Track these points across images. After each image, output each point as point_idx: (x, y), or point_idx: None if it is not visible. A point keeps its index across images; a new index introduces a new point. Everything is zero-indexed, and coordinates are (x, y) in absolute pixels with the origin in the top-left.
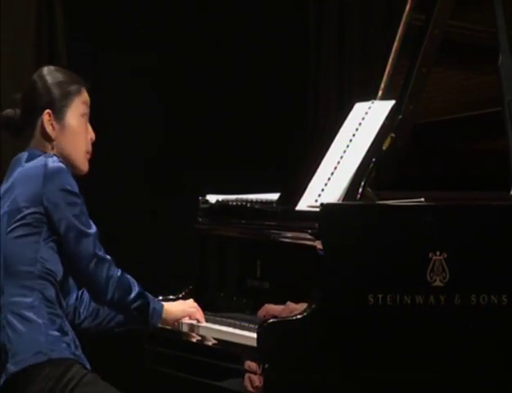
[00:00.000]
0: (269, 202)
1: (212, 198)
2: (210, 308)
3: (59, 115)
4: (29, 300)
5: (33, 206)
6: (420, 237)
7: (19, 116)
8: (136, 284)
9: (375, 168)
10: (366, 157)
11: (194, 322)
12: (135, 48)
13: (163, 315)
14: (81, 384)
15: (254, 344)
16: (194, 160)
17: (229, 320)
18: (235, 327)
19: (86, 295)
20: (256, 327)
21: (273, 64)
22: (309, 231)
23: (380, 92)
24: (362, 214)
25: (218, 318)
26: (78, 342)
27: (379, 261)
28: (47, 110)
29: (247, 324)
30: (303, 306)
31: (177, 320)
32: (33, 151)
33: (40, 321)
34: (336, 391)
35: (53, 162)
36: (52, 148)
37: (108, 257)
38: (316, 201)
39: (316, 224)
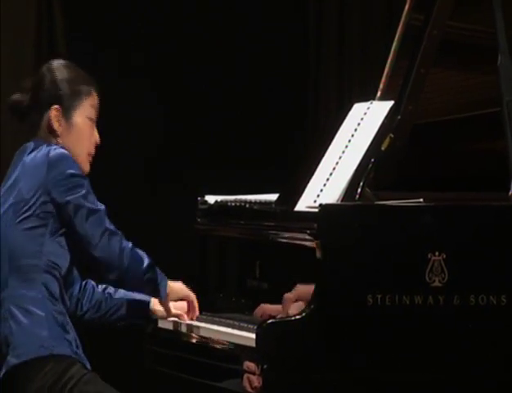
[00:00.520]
0: (268, 203)
1: (211, 199)
2: (209, 308)
3: (66, 112)
4: (32, 293)
5: (38, 195)
6: (419, 237)
7: (27, 103)
8: (146, 256)
9: (374, 168)
10: (364, 158)
11: (194, 322)
12: (135, 48)
13: (168, 289)
14: (80, 383)
15: (253, 344)
16: (194, 160)
17: (228, 321)
18: (234, 327)
19: (89, 286)
20: (255, 327)
21: (273, 64)
22: (308, 231)
23: (379, 93)
24: (361, 214)
25: (217, 319)
26: (79, 342)
27: (377, 262)
28: (56, 106)
29: (246, 325)
30: (298, 305)
31: (177, 297)
32: (38, 142)
33: (43, 315)
34: (335, 392)
35: (55, 149)
36: (57, 143)
37: (119, 231)
38: (315, 201)
39: (315, 225)
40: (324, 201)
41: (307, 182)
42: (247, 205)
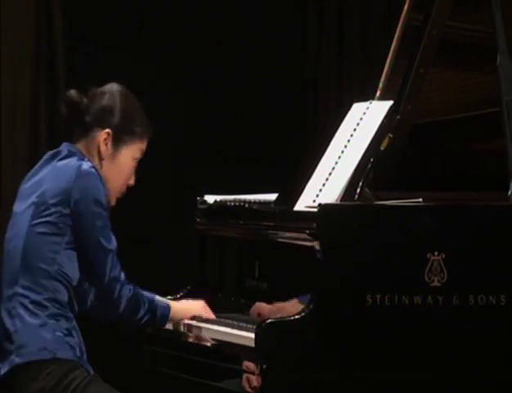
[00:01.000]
0: (267, 203)
1: (210, 198)
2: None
3: (115, 143)
4: (39, 297)
5: (60, 205)
6: (418, 237)
7: (82, 106)
8: (146, 300)
9: (373, 168)
10: (363, 157)
11: (193, 322)
12: (135, 48)
13: (170, 315)
14: (82, 385)
15: (253, 344)
16: (194, 160)
17: (227, 320)
18: (233, 327)
19: None
20: (254, 327)
21: (273, 64)
22: (307, 231)
23: (378, 93)
24: (360, 214)
25: (216, 319)
26: (84, 348)
27: (377, 261)
28: (108, 131)
29: (245, 324)
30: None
31: (181, 318)
32: (74, 150)
33: (48, 319)
34: (334, 391)
35: (87, 165)
36: (98, 163)
37: (121, 277)
38: (314, 201)
39: (314, 225)
40: (323, 201)
41: (307, 181)
42: (246, 205)
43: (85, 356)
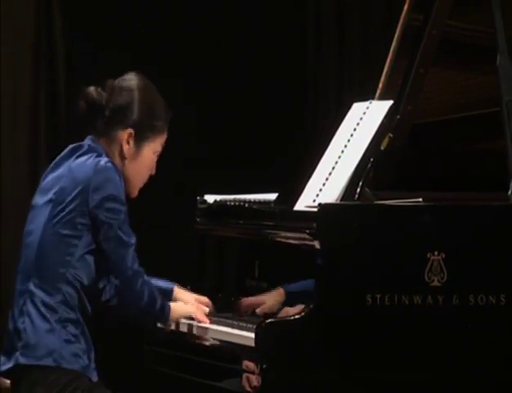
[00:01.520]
0: (267, 202)
1: (210, 198)
2: None
3: (138, 142)
4: (50, 300)
5: (78, 203)
6: (418, 237)
7: (100, 102)
8: (158, 294)
9: (373, 168)
10: (364, 157)
11: (193, 322)
12: (135, 48)
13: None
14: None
15: (252, 344)
16: (194, 160)
17: (227, 320)
18: (233, 327)
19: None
20: (254, 327)
21: (273, 64)
22: (307, 231)
23: (378, 92)
24: (360, 214)
25: (216, 318)
26: (92, 354)
27: (377, 261)
28: (131, 131)
29: (245, 324)
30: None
31: (179, 318)
32: (95, 146)
33: (56, 325)
34: (334, 391)
35: (104, 161)
36: (118, 162)
37: (141, 269)
38: (314, 201)
39: (314, 224)
40: (323, 201)
41: (307, 181)
42: (246, 205)
43: (93, 363)
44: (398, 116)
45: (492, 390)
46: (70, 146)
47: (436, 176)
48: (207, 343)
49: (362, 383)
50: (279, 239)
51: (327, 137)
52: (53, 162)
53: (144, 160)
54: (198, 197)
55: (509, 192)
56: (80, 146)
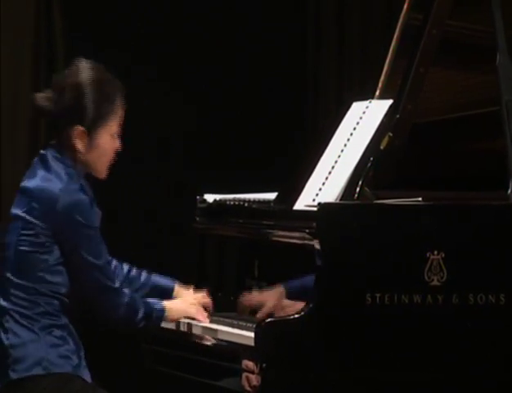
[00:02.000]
0: (267, 202)
1: (209, 198)
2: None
3: (90, 134)
4: (29, 313)
5: (46, 228)
6: (418, 236)
7: (49, 108)
8: (141, 305)
9: (373, 167)
10: (363, 156)
11: (193, 321)
12: (135, 48)
13: (165, 314)
14: None
15: (252, 343)
16: (194, 160)
17: (227, 319)
18: (233, 326)
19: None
20: (254, 326)
21: (273, 64)
22: (307, 230)
23: (378, 92)
24: (360, 213)
25: (216, 318)
26: (82, 353)
27: (376, 261)
28: (81, 128)
29: (245, 324)
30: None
31: (178, 319)
32: (57, 155)
33: (40, 332)
34: (334, 391)
35: (70, 194)
36: (77, 157)
37: (116, 285)
38: (314, 200)
39: (314, 224)
40: (323, 200)
41: (306, 180)
42: (246, 204)
43: (83, 361)
44: (398, 115)
45: (492, 390)
46: (35, 158)
47: (436, 175)
48: (207, 342)
49: (362, 383)
50: (278, 238)
51: (327, 136)
52: (26, 174)
53: (102, 147)
54: (198, 197)
55: (509, 192)
56: (44, 160)
